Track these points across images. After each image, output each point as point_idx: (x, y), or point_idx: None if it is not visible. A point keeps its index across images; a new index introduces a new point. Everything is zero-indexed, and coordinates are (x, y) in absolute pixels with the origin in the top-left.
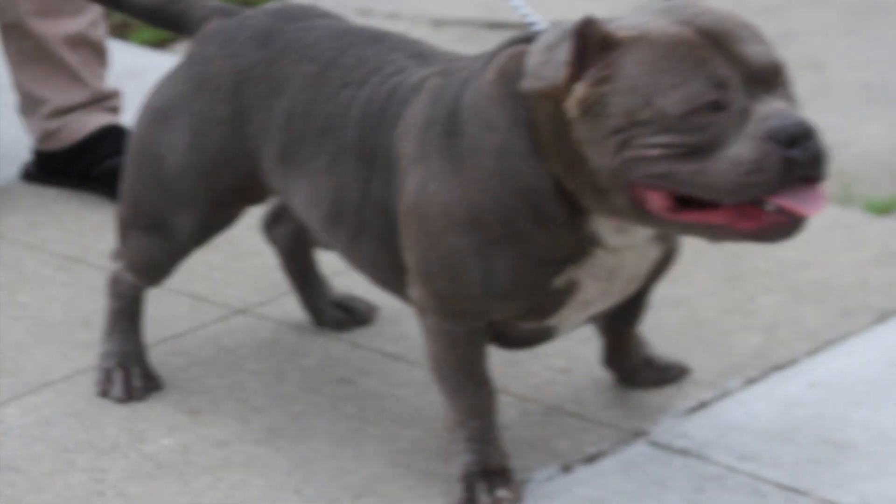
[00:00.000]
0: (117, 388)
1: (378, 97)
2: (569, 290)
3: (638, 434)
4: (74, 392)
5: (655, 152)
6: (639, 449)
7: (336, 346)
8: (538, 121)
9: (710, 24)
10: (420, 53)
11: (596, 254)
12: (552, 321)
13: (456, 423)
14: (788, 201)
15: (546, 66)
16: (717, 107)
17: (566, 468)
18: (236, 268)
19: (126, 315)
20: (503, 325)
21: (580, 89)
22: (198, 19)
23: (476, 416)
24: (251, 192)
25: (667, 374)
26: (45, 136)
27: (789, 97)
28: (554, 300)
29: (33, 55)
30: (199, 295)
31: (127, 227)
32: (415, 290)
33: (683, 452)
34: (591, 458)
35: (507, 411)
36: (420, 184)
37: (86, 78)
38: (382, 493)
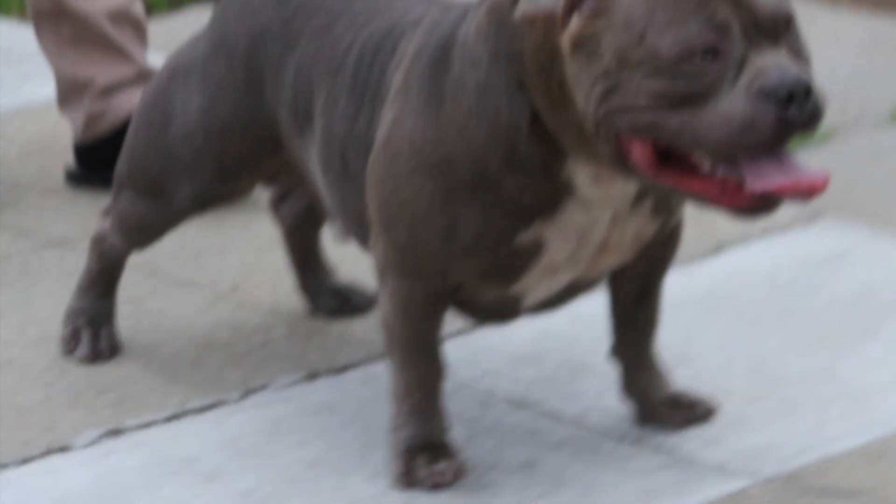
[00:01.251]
0: (84, 348)
1: (378, 32)
2: (535, 250)
3: None
4: None
5: (643, 101)
6: (386, 364)
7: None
8: (525, 52)
9: None
10: (441, 2)
11: (567, 208)
12: (516, 288)
13: (401, 394)
14: (784, 182)
15: None
16: (713, 52)
17: (312, 376)
18: None
19: (105, 276)
20: (466, 292)
21: (574, 22)
22: None
23: (422, 388)
24: (260, 162)
25: (693, 414)
26: (91, 121)
27: (797, 51)
28: (518, 260)
29: (75, 37)
30: None
31: (122, 186)
32: (375, 245)
33: None
34: (339, 370)
35: (276, 326)
36: (396, 119)
37: (131, 53)
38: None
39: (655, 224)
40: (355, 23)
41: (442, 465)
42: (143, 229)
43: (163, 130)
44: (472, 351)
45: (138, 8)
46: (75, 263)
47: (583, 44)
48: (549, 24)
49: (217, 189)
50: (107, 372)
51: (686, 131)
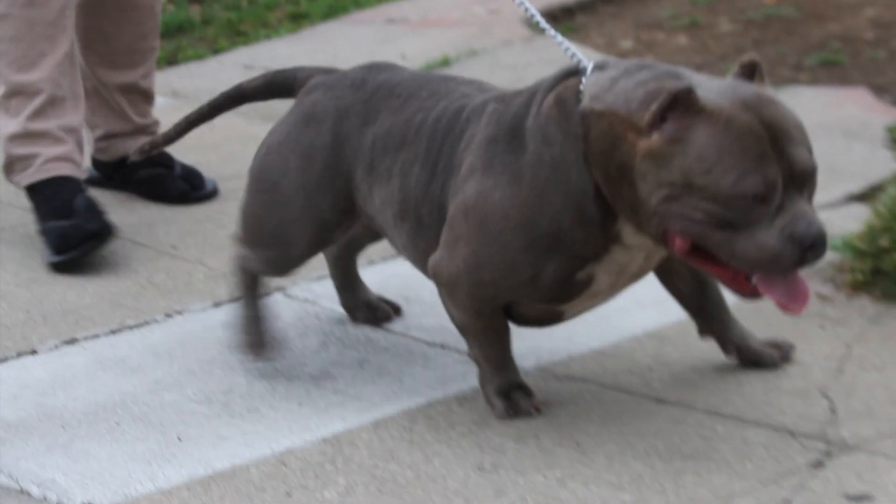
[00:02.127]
0: (251, 344)
1: (446, 116)
2: (586, 283)
3: (279, 290)
4: None
5: (698, 216)
6: (275, 297)
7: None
8: (590, 136)
9: (775, 120)
10: (482, 87)
11: (613, 250)
12: (563, 307)
13: (483, 358)
14: (781, 297)
15: (629, 99)
16: (762, 199)
17: (217, 304)
18: None
19: (251, 291)
20: (520, 308)
21: (655, 138)
22: (304, 78)
23: (499, 352)
24: (347, 213)
25: (783, 350)
26: (97, 151)
27: (811, 198)
28: (571, 290)
29: (92, 92)
30: None
31: (250, 244)
32: (443, 268)
33: (305, 301)
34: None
35: (197, 272)
36: (482, 190)
37: (130, 116)
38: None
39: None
40: (423, 106)
41: (532, 399)
42: (277, 271)
43: (273, 195)
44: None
45: (149, 81)
46: None
47: (657, 156)
48: (617, 120)
49: (323, 236)
50: (70, 302)
51: (726, 248)
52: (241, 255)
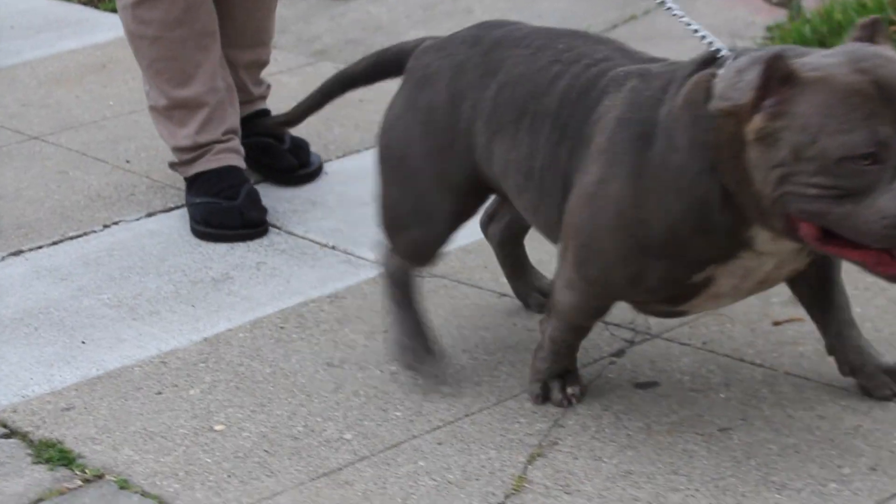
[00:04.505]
0: (413, 355)
1: (584, 77)
2: (704, 284)
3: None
4: None
5: (812, 191)
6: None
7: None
8: (719, 140)
9: (888, 78)
10: (622, 48)
11: (742, 256)
12: (683, 307)
13: (551, 340)
14: None
15: (734, 88)
16: (873, 158)
17: (150, 214)
18: None
19: (408, 296)
20: (638, 303)
21: (757, 119)
22: (410, 49)
23: (573, 342)
24: (474, 178)
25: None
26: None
27: None
28: (689, 291)
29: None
30: None
31: (392, 231)
32: (564, 258)
33: None
34: (170, 209)
35: (140, 186)
36: (601, 178)
37: (250, 88)
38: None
39: (810, 258)
40: (561, 57)
41: (572, 389)
42: (421, 255)
43: (404, 170)
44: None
45: (268, 53)
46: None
47: (763, 137)
48: (739, 118)
49: (463, 203)
50: (27, 217)
51: (846, 221)
52: (385, 260)
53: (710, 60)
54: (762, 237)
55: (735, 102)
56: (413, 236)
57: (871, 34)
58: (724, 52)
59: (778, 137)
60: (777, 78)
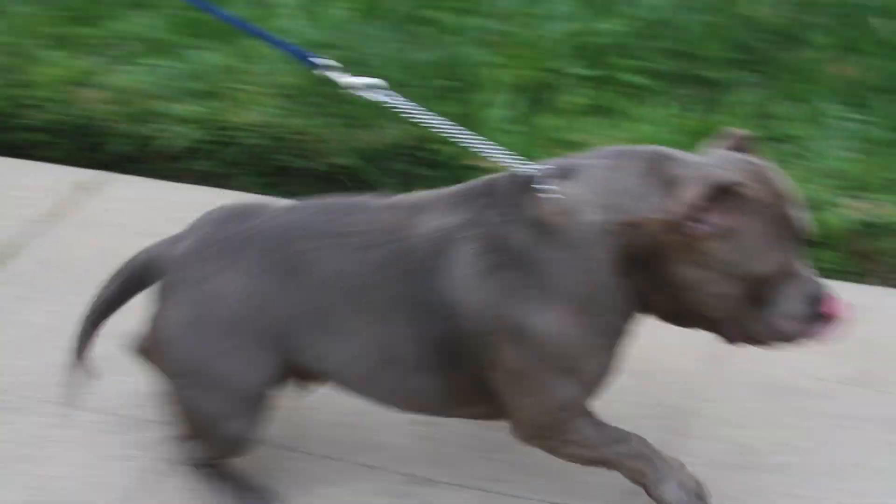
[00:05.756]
0: None
1: (413, 252)
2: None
3: None
4: None
5: (732, 302)
6: None
7: None
8: (621, 249)
9: (785, 192)
10: (411, 205)
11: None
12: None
13: (642, 464)
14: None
15: (665, 200)
16: (789, 272)
17: None
18: None
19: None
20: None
21: (699, 234)
22: (154, 260)
23: (647, 449)
24: (283, 375)
25: None
26: None
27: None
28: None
29: None
30: None
31: (199, 435)
32: (526, 431)
33: None
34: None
35: None
36: (528, 316)
37: None
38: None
39: None
40: (369, 241)
41: (697, 485)
42: (239, 447)
43: (199, 379)
44: None
45: None
46: None
47: (701, 249)
48: (650, 225)
49: (267, 395)
50: None
51: (758, 323)
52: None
53: (522, 182)
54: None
55: (672, 216)
56: (225, 434)
57: (742, 146)
58: (536, 170)
59: (715, 252)
60: (715, 195)
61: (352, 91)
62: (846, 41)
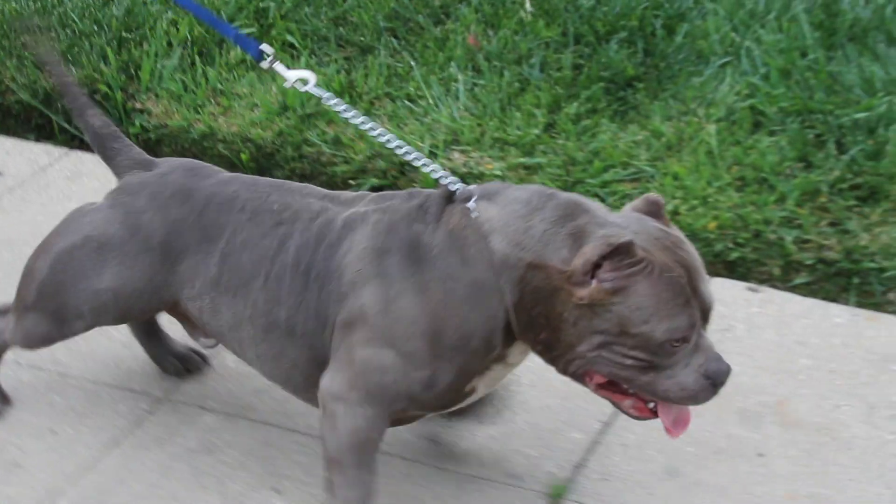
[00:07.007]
0: None
1: (313, 229)
2: (469, 394)
3: None
4: None
5: (628, 362)
6: None
7: None
8: (521, 284)
9: (689, 261)
10: (328, 195)
11: (495, 368)
12: (444, 412)
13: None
14: (670, 423)
15: (563, 250)
16: (684, 340)
17: None
18: None
19: None
20: (408, 414)
21: (595, 288)
22: (122, 167)
23: (366, 496)
24: (156, 312)
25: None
26: None
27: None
28: (456, 398)
29: None
30: None
31: (28, 309)
32: (335, 383)
33: None
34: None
35: None
36: (386, 297)
37: None
38: None
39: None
40: (283, 219)
41: None
42: (43, 342)
43: (75, 281)
44: None
45: None
46: None
47: (595, 304)
48: (550, 272)
49: (113, 323)
50: None
51: (649, 388)
52: (3, 333)
53: (451, 196)
54: (515, 352)
55: (569, 266)
56: (44, 327)
57: (655, 211)
58: (459, 188)
59: (609, 309)
60: (619, 255)
61: (286, 85)
62: (488, 17)
